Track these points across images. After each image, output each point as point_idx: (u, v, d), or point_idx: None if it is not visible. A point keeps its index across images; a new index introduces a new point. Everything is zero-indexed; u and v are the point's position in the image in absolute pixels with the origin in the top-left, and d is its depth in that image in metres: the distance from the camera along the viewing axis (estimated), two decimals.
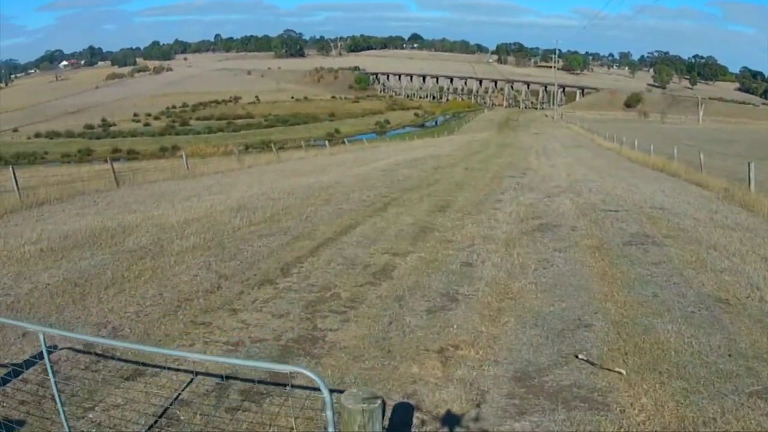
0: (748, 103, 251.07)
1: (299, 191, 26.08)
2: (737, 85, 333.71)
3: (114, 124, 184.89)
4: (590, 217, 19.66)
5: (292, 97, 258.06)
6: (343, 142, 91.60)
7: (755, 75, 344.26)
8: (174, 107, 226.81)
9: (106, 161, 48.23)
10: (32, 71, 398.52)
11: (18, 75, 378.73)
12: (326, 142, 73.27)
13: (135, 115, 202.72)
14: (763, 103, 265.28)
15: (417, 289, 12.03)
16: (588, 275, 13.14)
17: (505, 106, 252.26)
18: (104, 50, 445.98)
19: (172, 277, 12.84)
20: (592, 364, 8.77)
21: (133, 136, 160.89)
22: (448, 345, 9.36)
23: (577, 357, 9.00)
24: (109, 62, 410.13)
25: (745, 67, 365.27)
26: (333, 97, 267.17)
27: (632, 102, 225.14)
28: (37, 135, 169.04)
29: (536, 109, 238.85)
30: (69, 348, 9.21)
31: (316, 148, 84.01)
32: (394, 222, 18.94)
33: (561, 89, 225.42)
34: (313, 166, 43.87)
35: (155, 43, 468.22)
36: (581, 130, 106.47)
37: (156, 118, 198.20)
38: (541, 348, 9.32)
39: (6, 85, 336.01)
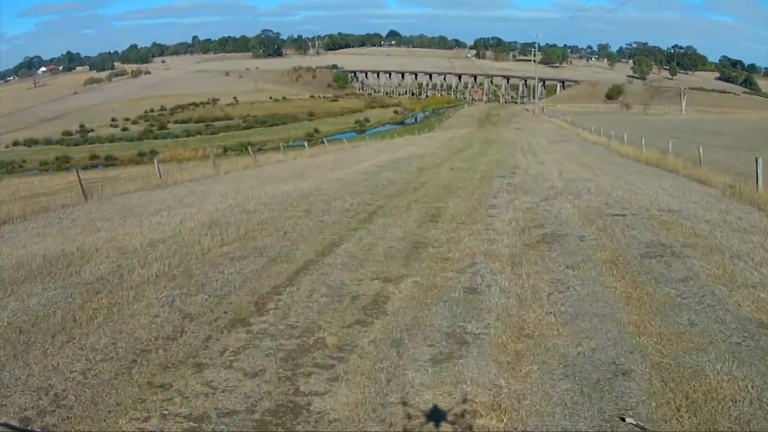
0: (729, 92, 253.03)
1: (277, 201, 24.27)
2: (717, 74, 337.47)
3: (92, 130, 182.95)
4: (597, 224, 17.96)
5: (271, 98, 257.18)
6: (323, 142, 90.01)
7: (735, 64, 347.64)
8: (152, 111, 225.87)
9: (84, 168, 46.84)
10: (11, 78, 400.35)
11: None
12: (305, 143, 71.27)
13: (113, 120, 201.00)
14: (744, 92, 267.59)
15: (417, 329, 10.15)
16: (611, 300, 11.38)
17: (485, 101, 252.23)
18: (83, 55, 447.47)
19: (129, 319, 10.90)
20: (644, 429, 7.04)
21: (110, 142, 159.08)
22: (463, 410, 7.55)
23: (623, 420, 7.23)
24: (87, 67, 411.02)
25: (724, 57, 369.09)
26: (312, 96, 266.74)
27: (613, 94, 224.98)
28: (15, 143, 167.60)
29: (516, 103, 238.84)
30: (3, 425, 7.44)
31: (295, 150, 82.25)
32: (382, 236, 17.07)
33: (541, 83, 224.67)
34: (292, 170, 42.15)
35: (133, 47, 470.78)
36: (564, 124, 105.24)
37: (134, 122, 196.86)
38: (578, 409, 7.48)
39: None
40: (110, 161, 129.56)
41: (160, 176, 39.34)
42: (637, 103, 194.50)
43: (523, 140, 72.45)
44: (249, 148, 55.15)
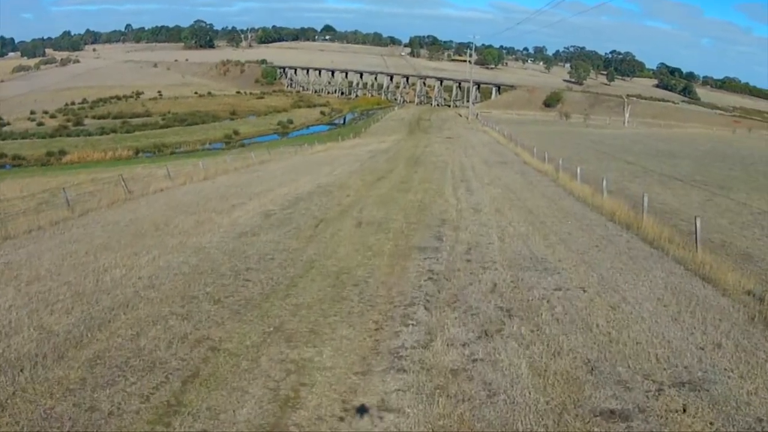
0: (668, 101, 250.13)
1: (67, 327, 15.18)
2: (655, 81, 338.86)
3: (8, 124, 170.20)
4: None
5: (196, 93, 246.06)
6: (239, 145, 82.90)
7: (673, 71, 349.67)
8: (73, 103, 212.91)
9: None
10: None
11: None
12: (201, 163, 61.77)
13: (32, 112, 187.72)
14: (683, 101, 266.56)
15: None
16: None
17: (417, 103, 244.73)
18: (17, 40, 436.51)
19: None
20: None
21: (23, 138, 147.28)
22: None
23: None
24: (19, 53, 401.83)
25: (662, 64, 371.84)
26: (238, 92, 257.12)
27: (552, 101, 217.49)
28: None
29: (449, 106, 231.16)
30: None
31: (193, 160, 74.67)
32: None
33: (476, 86, 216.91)
34: (160, 215, 32.81)
35: (66, 33, 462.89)
36: (501, 138, 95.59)
37: (52, 116, 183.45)
38: None
39: None
40: (18, 161, 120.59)
41: None
42: (577, 112, 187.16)
43: (455, 159, 63.34)
44: (122, 179, 44.42)
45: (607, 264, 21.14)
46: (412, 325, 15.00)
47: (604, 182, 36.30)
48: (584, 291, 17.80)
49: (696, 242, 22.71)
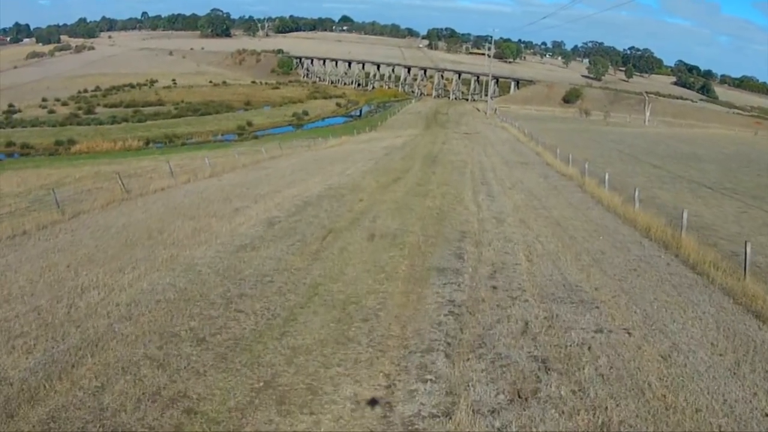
0: (687, 99, 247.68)
1: (24, 373, 13.01)
2: (673, 78, 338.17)
3: (19, 111, 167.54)
4: None
5: (210, 81, 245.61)
6: (255, 136, 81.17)
7: (691, 69, 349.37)
8: (86, 91, 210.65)
9: None
10: None
11: None
12: (207, 160, 58.77)
13: (44, 99, 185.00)
14: (701, 99, 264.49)
15: None
16: None
17: (434, 96, 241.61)
18: (33, 26, 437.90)
19: None
20: None
21: (33, 126, 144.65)
22: None
23: None
24: (34, 39, 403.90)
25: (680, 61, 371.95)
26: (253, 81, 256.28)
27: (571, 98, 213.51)
28: None
29: (467, 100, 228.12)
30: None
31: (203, 153, 72.38)
32: None
33: (495, 80, 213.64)
34: (153, 220, 30.50)
35: (82, 20, 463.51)
36: (521, 135, 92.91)
37: (64, 103, 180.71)
38: None
39: None
40: (26, 149, 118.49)
41: None
42: (596, 109, 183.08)
43: (474, 158, 60.98)
44: (119, 177, 42.01)
45: (650, 295, 18.58)
46: (431, 381, 12.56)
47: (636, 192, 33.60)
48: (629, 334, 15.28)
49: (745, 270, 20.20)
